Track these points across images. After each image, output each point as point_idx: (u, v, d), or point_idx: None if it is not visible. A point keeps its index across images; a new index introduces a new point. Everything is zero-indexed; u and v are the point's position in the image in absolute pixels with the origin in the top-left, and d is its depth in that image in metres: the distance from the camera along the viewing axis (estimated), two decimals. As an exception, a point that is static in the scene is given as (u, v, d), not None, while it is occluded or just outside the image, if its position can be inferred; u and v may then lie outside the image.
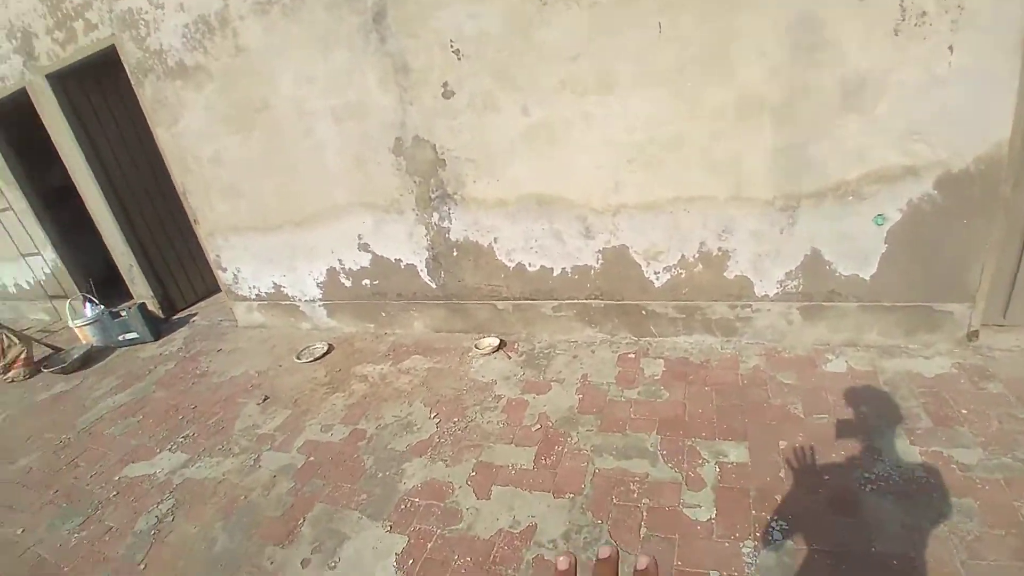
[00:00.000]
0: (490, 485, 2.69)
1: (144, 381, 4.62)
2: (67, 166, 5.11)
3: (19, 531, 3.42)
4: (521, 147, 3.29)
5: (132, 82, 4.29)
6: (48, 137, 5.04)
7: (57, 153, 5.09)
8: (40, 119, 4.98)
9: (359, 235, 4.00)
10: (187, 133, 4.24)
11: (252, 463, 3.26)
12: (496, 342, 3.80)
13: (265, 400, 3.80)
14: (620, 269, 3.41)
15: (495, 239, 3.63)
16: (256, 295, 4.75)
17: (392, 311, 4.20)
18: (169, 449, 3.64)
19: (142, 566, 2.86)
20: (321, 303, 4.47)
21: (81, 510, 3.42)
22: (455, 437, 3.08)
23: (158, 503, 3.22)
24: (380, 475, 2.92)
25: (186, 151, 4.32)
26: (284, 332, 4.77)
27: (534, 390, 3.34)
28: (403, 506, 2.70)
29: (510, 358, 3.70)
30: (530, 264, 3.62)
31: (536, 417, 3.09)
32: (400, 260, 3.99)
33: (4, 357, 5.36)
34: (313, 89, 3.65)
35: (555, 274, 3.58)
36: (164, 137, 4.35)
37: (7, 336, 5.39)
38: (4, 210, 5.85)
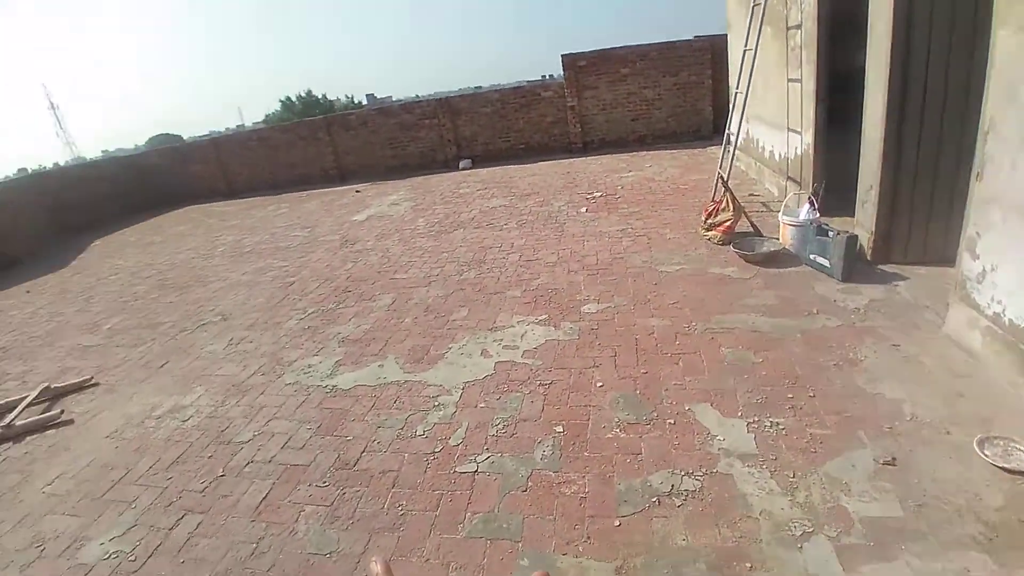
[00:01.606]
0: None
1: (795, 319, 4.05)
2: (868, 54, 4.36)
3: (599, 384, 3.67)
4: None
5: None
6: (866, 17, 4.33)
7: (865, 39, 4.37)
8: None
9: None
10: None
11: (796, 546, 2.36)
12: None
13: (885, 464, 2.66)
14: None
15: None
16: (994, 313, 3.23)
17: None
18: (749, 422, 3.08)
19: (617, 522, 2.59)
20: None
21: (642, 409, 3.38)
22: None
23: (689, 473, 2.80)
24: None
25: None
26: (990, 388, 3.12)
27: None
28: None
29: None
30: None
31: None
32: None
33: (714, 217, 5.69)
34: None
35: None
36: (1006, 45, 2.99)
37: (728, 200, 5.64)
38: (794, 80, 5.76)
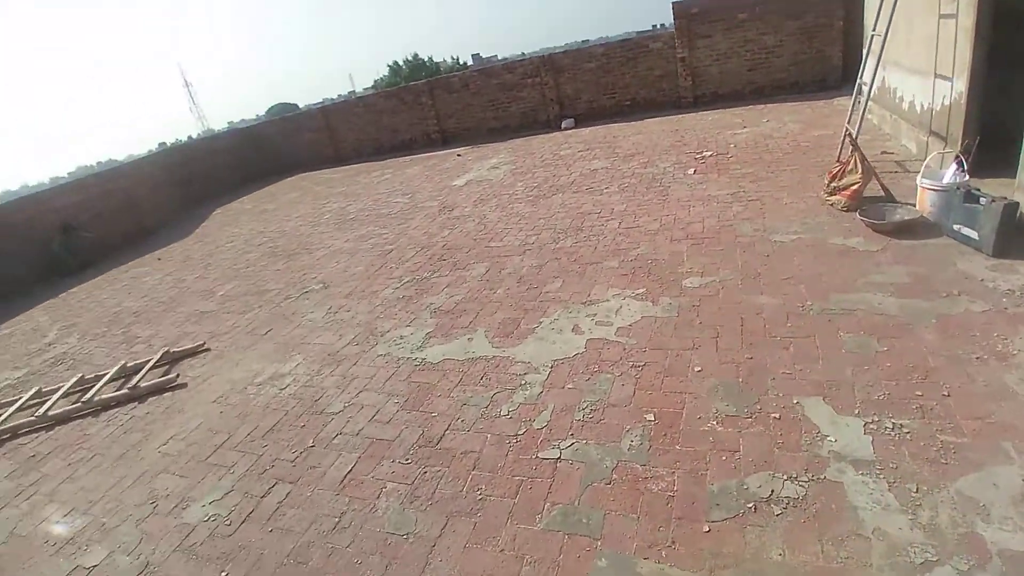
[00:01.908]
0: None
1: (930, 301, 3.56)
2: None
3: (697, 369, 3.44)
4: None
5: None
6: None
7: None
8: None
9: None
10: None
11: None
12: None
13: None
14: None
15: None
16: None
17: None
18: (867, 422, 2.74)
19: (707, 528, 2.41)
20: None
21: (743, 399, 3.13)
22: None
23: (792, 477, 2.55)
24: None
25: None
26: None
27: None
28: None
29: None
30: None
31: None
32: None
33: (839, 179, 5.13)
34: None
35: None
36: None
37: (856, 159, 5.06)
38: (948, 16, 4.95)
